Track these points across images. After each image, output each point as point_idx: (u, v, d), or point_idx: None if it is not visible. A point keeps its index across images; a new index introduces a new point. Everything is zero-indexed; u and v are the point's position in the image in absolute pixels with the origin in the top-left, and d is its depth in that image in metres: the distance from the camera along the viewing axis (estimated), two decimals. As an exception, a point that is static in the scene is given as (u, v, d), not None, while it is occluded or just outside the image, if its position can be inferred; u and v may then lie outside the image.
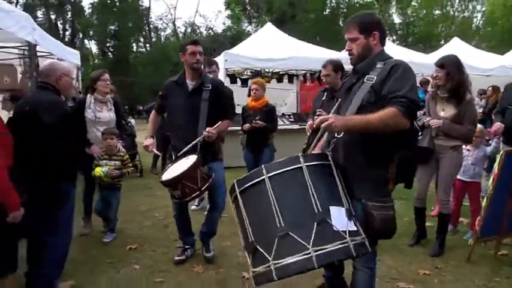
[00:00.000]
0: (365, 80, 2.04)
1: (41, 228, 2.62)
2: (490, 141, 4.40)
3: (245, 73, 9.29)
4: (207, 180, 3.02)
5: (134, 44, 31.06)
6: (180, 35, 30.75)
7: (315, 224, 1.67)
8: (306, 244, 1.63)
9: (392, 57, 2.12)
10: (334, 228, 1.69)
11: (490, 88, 7.61)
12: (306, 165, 1.78)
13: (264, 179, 1.76)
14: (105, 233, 3.97)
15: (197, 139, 3.12)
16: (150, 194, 5.73)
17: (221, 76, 7.91)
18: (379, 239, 2.08)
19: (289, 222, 1.68)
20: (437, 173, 3.56)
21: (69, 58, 7.36)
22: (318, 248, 1.62)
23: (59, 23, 28.87)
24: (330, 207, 1.73)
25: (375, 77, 2.02)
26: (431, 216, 4.31)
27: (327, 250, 1.63)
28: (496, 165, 3.20)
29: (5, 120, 2.81)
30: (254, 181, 1.79)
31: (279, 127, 7.23)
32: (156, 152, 3.57)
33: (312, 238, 1.64)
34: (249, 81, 8.32)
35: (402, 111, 1.87)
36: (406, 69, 2.01)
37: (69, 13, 28.44)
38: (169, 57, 27.90)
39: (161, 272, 3.24)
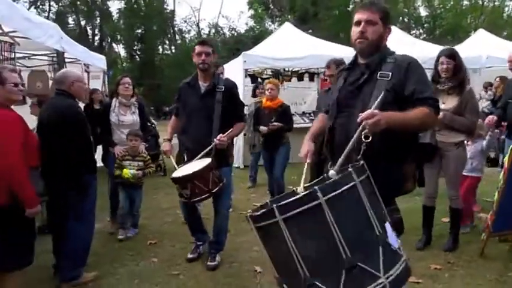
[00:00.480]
0: (378, 78, 1.94)
1: (65, 220, 2.94)
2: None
3: (265, 72, 9.40)
4: (218, 184, 3.02)
5: (160, 47, 31.69)
6: (204, 36, 31.15)
7: (380, 248, 1.45)
8: (377, 273, 1.41)
9: (396, 52, 2.04)
10: (393, 248, 1.50)
11: (498, 78, 7.42)
12: (360, 181, 1.50)
13: (320, 204, 1.41)
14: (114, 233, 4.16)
15: (209, 147, 3.09)
16: (172, 193, 5.81)
17: (241, 76, 8.10)
18: None
19: (355, 251, 1.41)
20: (443, 170, 3.49)
21: (95, 63, 7.69)
22: (389, 274, 1.42)
23: (88, 28, 29.85)
24: (385, 224, 1.54)
25: (390, 74, 1.92)
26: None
27: (395, 274, 1.44)
28: (506, 159, 3.18)
29: (35, 124, 3.23)
30: (306, 206, 1.42)
31: (300, 125, 7.37)
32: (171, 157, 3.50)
33: (381, 265, 1.42)
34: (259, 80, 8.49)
35: (434, 111, 1.88)
36: (421, 67, 1.98)
37: (98, 19, 29.30)
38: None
39: (178, 265, 3.42)
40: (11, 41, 4.48)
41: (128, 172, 4.00)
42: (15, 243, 2.53)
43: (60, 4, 28.44)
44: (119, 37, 30.41)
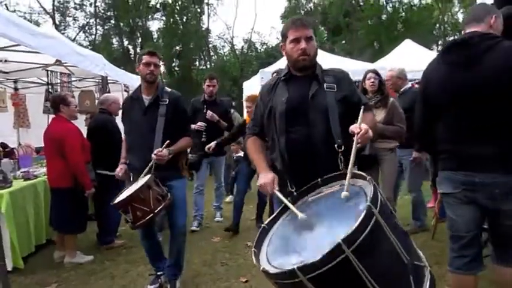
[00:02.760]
0: (326, 89, 2.01)
1: (103, 204, 4.05)
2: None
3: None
4: (162, 202, 2.81)
5: (196, 63, 33.35)
6: (238, 52, 32.51)
7: (411, 276, 1.39)
8: None
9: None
10: (422, 264, 1.49)
11: None
12: (378, 211, 1.35)
13: (347, 256, 1.26)
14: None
15: (149, 164, 2.89)
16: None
17: (257, 92, 8.91)
18: None
19: None
20: (381, 172, 3.80)
21: (133, 83, 8.90)
22: None
23: (130, 47, 31.90)
24: (407, 241, 1.51)
25: (335, 85, 2.03)
26: (428, 207, 4.94)
27: None
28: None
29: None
30: (333, 263, 1.26)
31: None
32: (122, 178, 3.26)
33: None
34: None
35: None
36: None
37: (140, 38, 31.33)
38: (228, 74, 29.83)
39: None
40: (68, 72, 5.75)
41: None
42: (74, 215, 3.86)
43: (105, 28, 30.77)
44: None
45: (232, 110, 6.69)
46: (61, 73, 5.85)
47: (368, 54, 23.69)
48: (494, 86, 2.00)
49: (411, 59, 9.01)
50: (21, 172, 4.55)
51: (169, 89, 3.26)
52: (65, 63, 5.53)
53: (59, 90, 6.00)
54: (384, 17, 29.57)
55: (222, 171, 5.54)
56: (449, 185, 2.21)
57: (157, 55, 3.19)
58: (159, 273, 3.34)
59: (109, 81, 7.05)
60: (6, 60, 6.07)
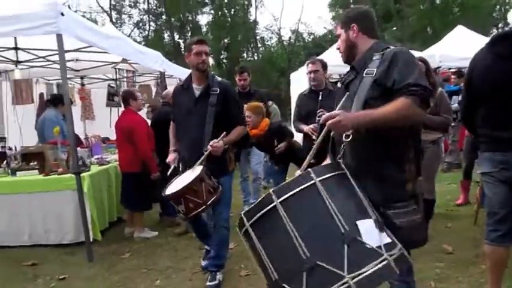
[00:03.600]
0: (364, 75, 1.85)
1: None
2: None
3: (331, 77, 10.41)
4: (214, 193, 2.85)
5: (244, 54, 33.87)
6: (285, 43, 32.60)
7: (345, 246, 1.41)
8: (340, 272, 1.36)
9: (391, 46, 1.93)
10: (368, 246, 1.44)
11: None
12: (320, 180, 1.53)
13: (275, 206, 1.49)
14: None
15: (203, 156, 2.91)
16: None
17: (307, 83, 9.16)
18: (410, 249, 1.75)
19: (314, 250, 1.41)
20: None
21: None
22: (355, 274, 1.36)
23: (181, 41, 33.05)
24: (357, 221, 1.49)
25: (375, 70, 1.83)
26: (457, 204, 5.01)
27: (366, 274, 1.37)
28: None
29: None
30: (264, 210, 1.52)
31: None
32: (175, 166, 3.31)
33: (346, 264, 1.38)
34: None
35: (417, 100, 1.71)
36: (409, 56, 1.84)
37: (190, 32, 32.35)
38: (275, 65, 30.06)
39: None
40: (133, 69, 6.38)
41: None
42: (142, 195, 4.42)
43: (157, 23, 32.08)
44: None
45: (270, 103, 6.66)
46: (127, 70, 6.48)
47: (420, 40, 22.95)
48: None
49: (463, 46, 8.80)
50: (95, 159, 5.21)
51: (219, 78, 3.25)
52: (129, 61, 6.14)
53: (125, 85, 6.64)
54: (437, 1, 28.23)
55: (258, 158, 5.34)
56: (489, 164, 2.48)
57: (207, 43, 3.14)
58: (208, 247, 3.50)
59: (166, 76, 7.65)
60: (77, 60, 6.82)
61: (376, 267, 1.39)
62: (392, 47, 1.90)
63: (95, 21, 27.04)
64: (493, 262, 2.51)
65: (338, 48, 2.06)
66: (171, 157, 3.31)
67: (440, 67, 8.58)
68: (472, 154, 4.04)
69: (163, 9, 31.33)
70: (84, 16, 24.27)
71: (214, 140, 2.91)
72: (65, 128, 5.01)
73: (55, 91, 7.85)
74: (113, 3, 30.40)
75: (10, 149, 5.25)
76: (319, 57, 8.35)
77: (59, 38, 3.80)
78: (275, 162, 4.60)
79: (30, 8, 3.80)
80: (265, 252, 1.51)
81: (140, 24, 31.72)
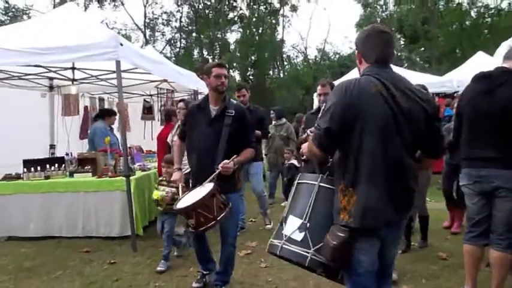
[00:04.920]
0: None
1: None
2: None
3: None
4: (224, 210, 2.95)
5: (270, 72, 34.72)
6: (311, 61, 33.34)
7: (284, 222, 2.09)
8: (282, 235, 2.05)
9: (367, 75, 1.92)
10: (282, 231, 2.06)
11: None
12: (319, 185, 2.05)
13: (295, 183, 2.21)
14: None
15: (213, 174, 3.03)
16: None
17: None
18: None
19: (290, 212, 2.09)
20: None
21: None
22: (278, 235, 2.09)
23: (209, 58, 34.23)
24: (290, 215, 2.08)
25: None
26: (444, 227, 5.20)
27: (276, 241, 2.06)
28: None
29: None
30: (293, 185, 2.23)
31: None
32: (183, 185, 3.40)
33: (284, 230, 2.06)
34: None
35: (313, 139, 1.96)
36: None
37: (218, 49, 33.52)
38: (301, 82, 30.72)
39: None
40: (172, 88, 7.23)
41: (157, 194, 4.01)
42: None
43: (188, 41, 33.46)
44: (235, 64, 34.18)
45: (284, 120, 7.39)
46: (167, 89, 7.34)
47: (449, 62, 22.97)
48: (503, 111, 2.80)
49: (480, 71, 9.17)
50: (138, 165, 5.98)
51: (234, 101, 3.34)
52: (169, 80, 6.99)
53: (162, 101, 7.48)
54: (467, 23, 28.26)
55: (258, 178, 5.38)
56: (466, 178, 3.03)
57: (225, 66, 3.31)
58: (205, 272, 3.56)
59: (198, 93, 8.45)
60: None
61: (276, 242, 2.06)
62: (363, 77, 1.93)
63: (129, 38, 28.53)
64: (469, 258, 3.06)
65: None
66: (177, 176, 3.44)
67: (458, 91, 8.97)
68: (449, 180, 4.34)
69: (194, 27, 32.72)
70: (119, 33, 25.51)
71: (226, 161, 3.06)
72: (112, 138, 5.89)
73: (97, 104, 8.80)
74: (147, 21, 32.03)
75: (67, 154, 6.11)
76: (343, 78, 8.77)
77: (118, 63, 4.62)
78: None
79: (95, 39, 4.63)
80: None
81: (172, 41, 33.15)
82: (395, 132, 1.83)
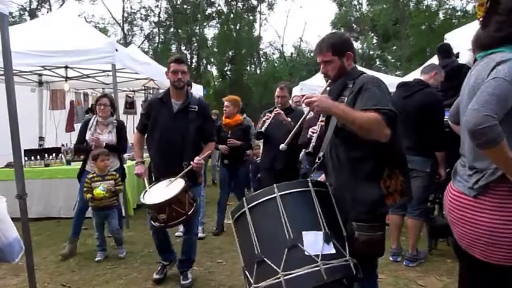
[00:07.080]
0: (339, 100, 2.05)
1: None
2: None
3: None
4: (193, 205, 2.98)
5: (248, 68, 35.28)
6: (288, 58, 34.13)
7: (286, 249, 1.73)
8: (276, 269, 1.71)
9: (364, 73, 2.10)
10: (306, 253, 1.72)
11: None
12: (280, 195, 1.83)
13: (244, 211, 1.90)
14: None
15: (185, 170, 3.03)
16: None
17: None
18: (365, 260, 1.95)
19: (264, 249, 1.79)
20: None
21: (198, 91, 11.06)
22: (288, 272, 1.69)
23: (187, 53, 34.32)
24: (303, 232, 1.77)
25: (345, 99, 2.01)
26: None
27: (296, 274, 1.68)
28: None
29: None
30: (236, 215, 1.96)
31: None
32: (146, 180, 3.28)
33: (283, 263, 1.71)
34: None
35: (384, 119, 1.86)
36: (376, 84, 1.99)
37: (196, 45, 33.72)
38: (277, 79, 31.29)
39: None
40: (157, 87, 7.99)
41: (100, 191, 3.93)
42: None
43: (166, 36, 33.55)
44: (212, 60, 33.67)
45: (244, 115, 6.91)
46: (152, 88, 8.08)
47: (418, 61, 24.01)
48: (416, 114, 3.66)
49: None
50: (127, 155, 6.68)
51: (197, 96, 3.39)
52: (155, 80, 7.74)
53: (148, 97, 8.21)
54: (436, 23, 29.57)
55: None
56: None
57: (185, 62, 3.25)
58: (165, 263, 3.62)
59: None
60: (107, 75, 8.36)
61: (307, 271, 1.68)
62: (365, 74, 2.09)
63: (106, 32, 28.49)
64: (392, 225, 4.00)
65: (324, 73, 2.14)
66: (141, 169, 3.37)
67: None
68: None
69: (172, 22, 32.84)
70: (96, 27, 25.36)
71: (197, 158, 3.16)
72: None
73: (82, 99, 9.37)
74: (125, 15, 32.01)
75: (63, 145, 6.78)
76: (313, 79, 8.96)
77: (113, 66, 5.37)
78: (221, 157, 5.06)
79: (96, 44, 5.38)
80: (239, 243, 1.96)
81: (150, 37, 33.22)
82: None
